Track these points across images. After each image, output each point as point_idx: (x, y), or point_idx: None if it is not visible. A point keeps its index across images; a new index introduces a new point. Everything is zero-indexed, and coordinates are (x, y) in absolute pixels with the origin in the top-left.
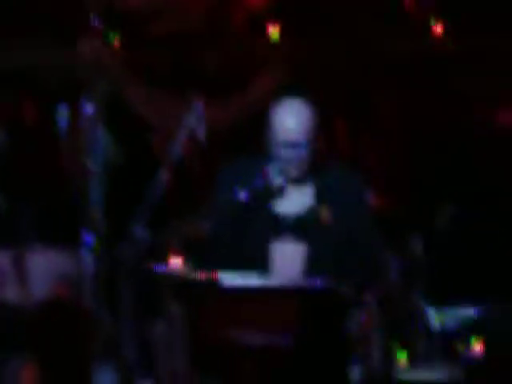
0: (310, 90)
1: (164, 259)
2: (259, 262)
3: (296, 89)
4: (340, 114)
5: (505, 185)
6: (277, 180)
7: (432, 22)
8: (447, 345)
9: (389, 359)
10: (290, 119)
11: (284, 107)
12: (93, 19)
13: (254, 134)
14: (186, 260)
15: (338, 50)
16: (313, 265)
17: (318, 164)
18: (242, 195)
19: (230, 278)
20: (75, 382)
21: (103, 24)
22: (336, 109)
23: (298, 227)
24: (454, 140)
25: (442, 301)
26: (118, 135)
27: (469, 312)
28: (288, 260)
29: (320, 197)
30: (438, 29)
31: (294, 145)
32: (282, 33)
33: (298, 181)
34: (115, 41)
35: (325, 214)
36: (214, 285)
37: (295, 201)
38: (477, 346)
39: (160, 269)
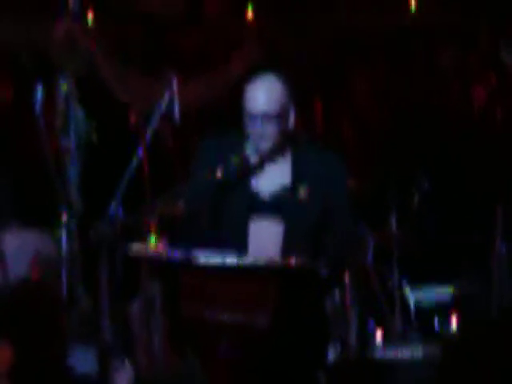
0: (284, 68)
1: (140, 238)
2: (236, 240)
3: (270, 65)
4: (315, 92)
5: (479, 161)
6: (253, 157)
7: None
8: (423, 322)
9: (365, 337)
10: (261, 92)
11: (256, 81)
12: None
13: (230, 112)
14: (163, 238)
15: (313, 28)
16: (289, 243)
17: (293, 140)
18: (219, 173)
19: (207, 256)
20: (50, 363)
21: (78, 3)
22: (311, 87)
23: (275, 205)
24: (429, 116)
25: (418, 278)
26: (91, 112)
27: (444, 289)
28: (265, 238)
29: (297, 174)
30: (412, 4)
31: (263, 116)
32: (257, 12)
33: (274, 157)
34: (89, 19)
35: (301, 191)
36: (190, 263)
37: (272, 178)
38: (453, 323)
39: (136, 248)
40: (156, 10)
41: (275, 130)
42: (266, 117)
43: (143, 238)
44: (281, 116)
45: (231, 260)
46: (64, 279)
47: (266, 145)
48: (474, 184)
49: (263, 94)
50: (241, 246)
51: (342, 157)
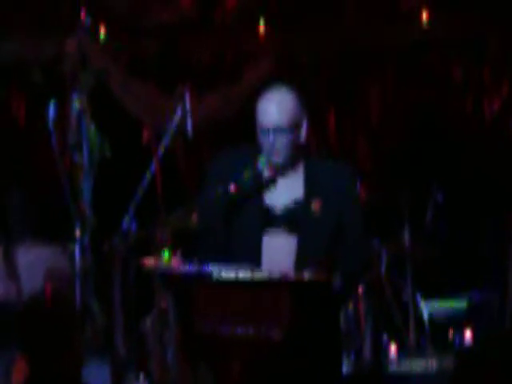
0: (297, 81)
1: (154, 252)
2: (250, 255)
3: (282, 78)
4: (328, 106)
5: (493, 172)
6: (266, 171)
7: (418, 10)
8: (437, 335)
9: (378, 350)
10: (273, 105)
11: (268, 94)
12: (80, 13)
13: (243, 127)
14: (176, 253)
15: (325, 41)
16: (303, 257)
17: (305, 154)
18: (232, 187)
19: (220, 271)
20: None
21: (90, 18)
22: (324, 100)
23: (288, 219)
24: (442, 129)
25: (432, 291)
26: (105, 128)
27: (458, 301)
28: (278, 252)
29: (310, 188)
30: (424, 17)
31: (275, 129)
32: (270, 25)
33: (286, 170)
34: (102, 34)
35: (314, 205)
36: (203, 277)
37: (285, 192)
38: (467, 335)
39: (149, 262)
40: (168, 23)
41: (287, 142)
42: (277, 130)
43: (156, 253)
44: (293, 129)
45: (245, 274)
46: (77, 293)
47: (278, 158)
48: (487, 195)
49: (275, 107)
50: (254, 260)
51: (353, 168)
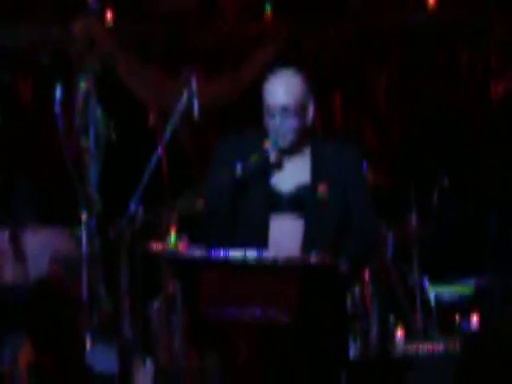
0: (303, 66)
1: (160, 236)
2: (256, 238)
3: (289, 61)
4: (334, 89)
5: (497, 156)
6: (272, 154)
7: None
8: (444, 318)
9: (385, 334)
10: (279, 86)
11: (275, 76)
12: None
13: (249, 111)
14: (182, 237)
15: (331, 26)
16: (310, 240)
17: (312, 136)
18: (239, 170)
19: (227, 254)
20: (69, 361)
21: (98, 1)
22: (330, 84)
23: (295, 203)
24: (448, 114)
25: (438, 275)
26: (110, 111)
27: (465, 285)
28: (285, 236)
29: (316, 170)
30: (431, 2)
31: (282, 110)
32: (276, 10)
33: (293, 153)
34: (108, 18)
35: (321, 188)
36: (210, 261)
37: (291, 176)
38: (473, 319)
39: (156, 246)
40: (173, 8)
41: (294, 124)
42: (284, 111)
43: (163, 237)
44: (299, 111)
45: (251, 258)
46: (84, 278)
47: (284, 140)
48: (493, 179)
49: (282, 89)
50: (261, 244)
51: (358, 146)
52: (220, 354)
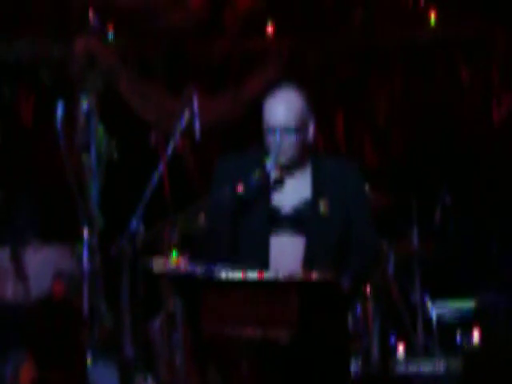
0: (305, 82)
1: (161, 254)
2: (257, 255)
3: (290, 79)
4: (336, 107)
5: (502, 175)
6: (273, 172)
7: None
8: (445, 336)
9: (387, 351)
10: (281, 105)
11: (276, 94)
12: (90, 15)
13: (250, 129)
14: (184, 254)
15: (333, 43)
16: (311, 257)
17: (313, 154)
18: (240, 188)
19: (228, 272)
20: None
21: (99, 18)
22: (332, 102)
23: (296, 220)
24: (450, 130)
25: (440, 292)
26: (113, 129)
27: (466, 302)
28: (286, 253)
29: (317, 188)
30: (432, 17)
31: (282, 129)
32: (279, 27)
33: (294, 170)
34: (110, 35)
35: (322, 205)
36: (211, 279)
37: (292, 193)
38: (475, 336)
39: (157, 263)
40: (177, 24)
41: (294, 142)
42: (285, 130)
43: (164, 254)
44: (300, 129)
45: (252, 275)
46: (85, 295)
47: (285, 158)
48: (495, 196)
49: (283, 107)
50: (262, 261)
51: (360, 165)
52: (221, 371)
